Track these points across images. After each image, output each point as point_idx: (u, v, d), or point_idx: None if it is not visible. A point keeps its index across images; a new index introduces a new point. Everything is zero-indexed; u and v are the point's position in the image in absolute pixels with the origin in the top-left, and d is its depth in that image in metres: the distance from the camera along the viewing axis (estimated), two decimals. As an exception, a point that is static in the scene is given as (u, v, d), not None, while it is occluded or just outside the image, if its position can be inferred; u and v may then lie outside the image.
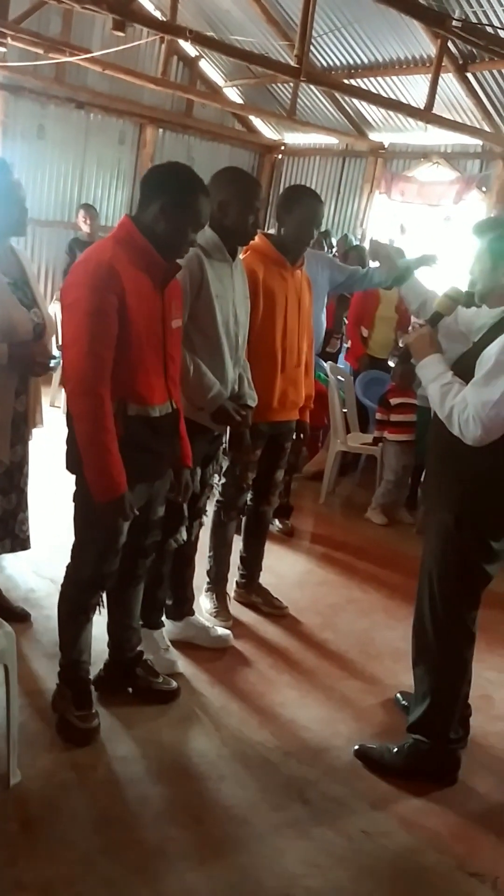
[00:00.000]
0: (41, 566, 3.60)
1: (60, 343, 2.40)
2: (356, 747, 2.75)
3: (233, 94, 9.36)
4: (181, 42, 6.98)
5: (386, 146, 8.72)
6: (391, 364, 5.40)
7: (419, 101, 6.74)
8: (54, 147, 8.37)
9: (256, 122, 9.85)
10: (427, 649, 2.63)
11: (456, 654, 2.61)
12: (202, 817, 2.36)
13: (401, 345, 2.61)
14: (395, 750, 2.68)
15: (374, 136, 8.76)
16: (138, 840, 2.24)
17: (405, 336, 2.65)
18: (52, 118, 8.30)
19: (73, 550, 2.59)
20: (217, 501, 3.41)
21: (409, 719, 2.71)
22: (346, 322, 6.23)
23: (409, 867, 2.30)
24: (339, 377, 5.48)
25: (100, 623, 2.73)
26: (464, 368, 2.43)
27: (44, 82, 7.83)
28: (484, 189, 7.77)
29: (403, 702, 3.00)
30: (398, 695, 3.09)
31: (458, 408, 2.36)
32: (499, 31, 5.93)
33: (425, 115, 6.49)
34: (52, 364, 2.94)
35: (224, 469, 3.26)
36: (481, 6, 6.02)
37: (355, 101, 7.98)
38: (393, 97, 7.51)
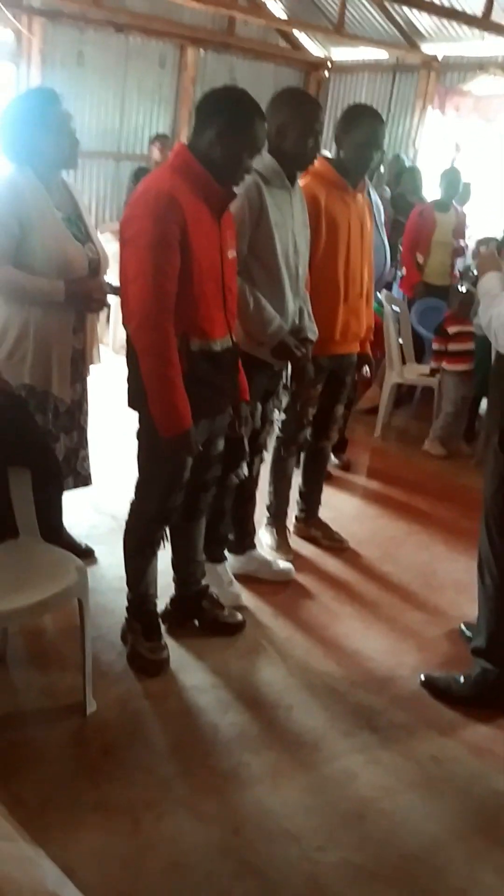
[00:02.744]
0: (101, 502, 3.65)
1: (119, 279, 2.36)
2: (422, 676, 2.77)
3: (277, 10, 8.97)
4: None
5: (439, 58, 8.31)
6: (462, 289, 5.22)
7: (474, 7, 6.36)
8: (94, 73, 8.15)
9: (302, 38, 9.44)
10: (488, 574, 2.63)
11: None
12: (273, 744, 2.42)
13: (474, 271, 2.59)
14: (462, 679, 2.70)
15: (426, 48, 8.35)
16: (212, 765, 2.31)
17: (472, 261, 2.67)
18: (91, 43, 8.06)
19: (137, 486, 2.60)
20: (277, 437, 3.39)
21: (472, 643, 2.72)
22: (401, 248, 6.04)
23: (479, 791, 2.34)
24: (394, 307, 5.35)
25: (164, 558, 2.76)
26: None
27: (82, 6, 7.57)
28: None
29: (468, 633, 3.00)
30: (462, 625, 3.09)
31: (494, 317, 2.40)
32: None
33: (483, 22, 6.14)
34: (107, 300, 2.91)
35: (284, 404, 3.23)
36: None
37: (406, 10, 7.58)
38: (447, 5, 7.10)
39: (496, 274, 2.52)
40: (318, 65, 9.63)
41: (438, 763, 2.42)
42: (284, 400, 3.23)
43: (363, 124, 3.06)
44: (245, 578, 3.23)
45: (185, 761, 2.31)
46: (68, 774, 2.21)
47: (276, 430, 3.37)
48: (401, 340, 5.34)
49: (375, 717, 2.58)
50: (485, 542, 2.64)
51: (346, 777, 2.32)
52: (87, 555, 3.23)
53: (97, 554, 3.29)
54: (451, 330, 4.94)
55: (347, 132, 3.08)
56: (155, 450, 2.43)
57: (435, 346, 5.10)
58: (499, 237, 2.66)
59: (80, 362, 2.96)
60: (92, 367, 3.08)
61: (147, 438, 2.47)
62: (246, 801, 2.19)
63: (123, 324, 2.41)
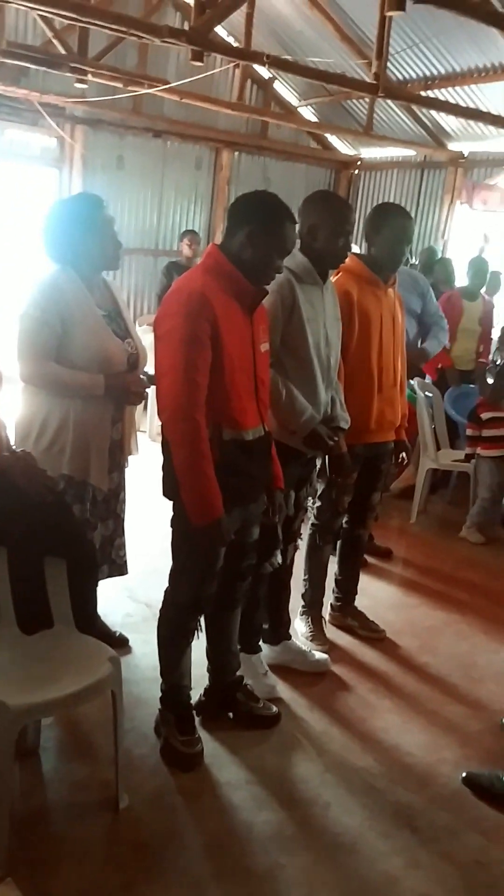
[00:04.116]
0: (136, 591, 3.66)
1: (154, 372, 2.45)
2: (464, 774, 2.68)
3: (307, 113, 9.42)
4: (255, 66, 7.07)
5: (465, 155, 8.61)
6: (489, 380, 5.26)
7: (498, 107, 6.63)
8: (133, 176, 8.60)
9: (331, 138, 9.87)
10: None
11: None
12: (309, 844, 2.34)
13: (498, 361, 2.56)
14: (505, 778, 2.60)
15: (452, 146, 8.67)
16: (247, 867, 2.23)
17: (499, 351, 2.64)
18: (131, 148, 8.54)
19: (171, 575, 2.62)
20: (312, 524, 3.40)
21: None
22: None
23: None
24: (426, 393, 5.40)
25: (199, 648, 2.75)
26: None
27: (122, 114, 8.04)
28: None
29: (511, 727, 2.91)
30: (504, 720, 3.00)
31: None
32: None
33: (506, 122, 6.38)
34: (145, 393, 2.99)
35: (319, 492, 3.25)
36: None
37: (433, 111, 7.91)
38: (472, 105, 7.41)
39: None
40: (348, 163, 10.03)
41: (482, 867, 2.32)
42: (320, 487, 3.26)
43: (392, 222, 3.18)
44: (280, 669, 3.18)
45: (219, 861, 2.24)
46: (100, 872, 2.16)
47: (312, 518, 3.38)
48: (433, 426, 5.36)
49: (416, 817, 2.49)
50: None
51: (386, 881, 2.23)
52: (121, 644, 3.22)
53: (131, 643, 3.27)
54: (485, 416, 4.96)
55: (378, 230, 3.20)
56: (188, 538, 2.46)
57: (469, 431, 5.11)
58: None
59: (117, 452, 3.03)
60: (130, 458, 3.14)
61: (180, 527, 2.50)
62: (282, 907, 2.12)
63: (158, 415, 2.48)
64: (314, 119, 9.41)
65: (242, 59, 5.88)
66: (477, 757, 2.82)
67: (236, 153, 9.31)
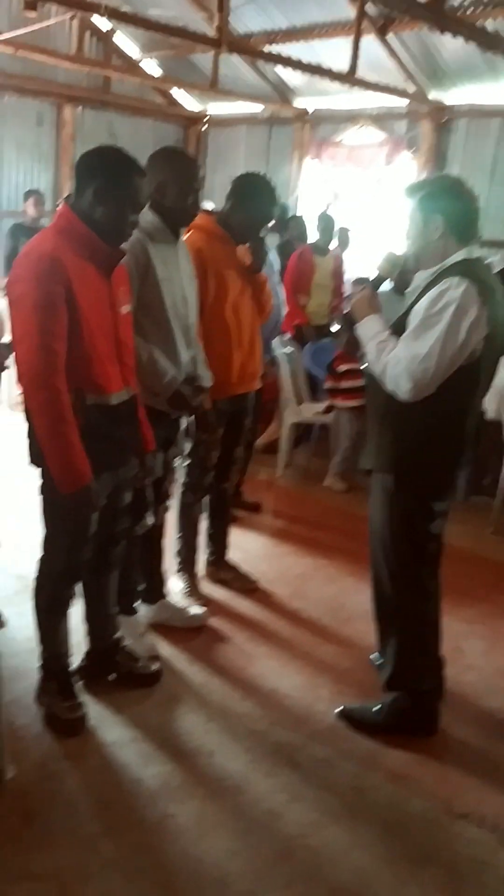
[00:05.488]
0: (7, 564, 3.58)
1: (10, 339, 2.38)
2: (339, 709, 2.83)
3: (151, 67, 9.21)
4: (93, 17, 6.84)
5: (311, 112, 8.70)
6: (333, 330, 5.45)
7: (341, 64, 6.74)
8: (-31, 134, 8.17)
9: (178, 93, 9.71)
10: (386, 608, 2.72)
11: (414, 609, 2.68)
12: (196, 792, 2.41)
13: (345, 311, 2.64)
14: (376, 708, 2.77)
15: (298, 102, 8.74)
16: (138, 820, 2.28)
17: (348, 302, 2.71)
18: (-36, 104, 8.09)
19: (43, 543, 2.58)
20: (182, 483, 3.44)
21: (380, 678, 2.80)
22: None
23: (400, 816, 2.40)
24: (286, 349, 5.51)
25: (76, 614, 2.74)
26: (399, 329, 2.49)
27: (-46, 67, 7.60)
28: (413, 150, 7.83)
29: (380, 661, 3.08)
30: (374, 655, 3.17)
31: (391, 363, 2.43)
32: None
33: (349, 78, 6.51)
34: (6, 364, 2.90)
35: (188, 451, 3.27)
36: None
37: (277, 67, 7.93)
38: (315, 62, 7.48)
39: (375, 317, 2.57)
40: (196, 119, 9.92)
41: (359, 793, 2.47)
42: (187, 446, 3.29)
43: (258, 205, 3.23)
44: (159, 628, 3.23)
45: (109, 819, 2.28)
46: (-11, 846, 2.15)
47: (183, 477, 3.41)
48: (295, 381, 5.49)
49: (295, 754, 2.62)
50: (380, 563, 2.68)
51: (271, 817, 2.34)
52: (-6, 618, 3.17)
53: (6, 616, 3.22)
54: (341, 368, 5.13)
55: (242, 204, 3.22)
56: (57, 506, 2.42)
57: (327, 384, 5.27)
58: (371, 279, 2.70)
59: (-24, 424, 2.94)
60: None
61: (49, 495, 2.46)
62: (174, 854, 2.18)
63: (17, 382, 2.42)
64: (159, 73, 9.21)
65: (79, 8, 5.66)
66: (350, 692, 2.98)
67: (79, 108, 9.00)
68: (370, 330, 2.55)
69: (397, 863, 2.23)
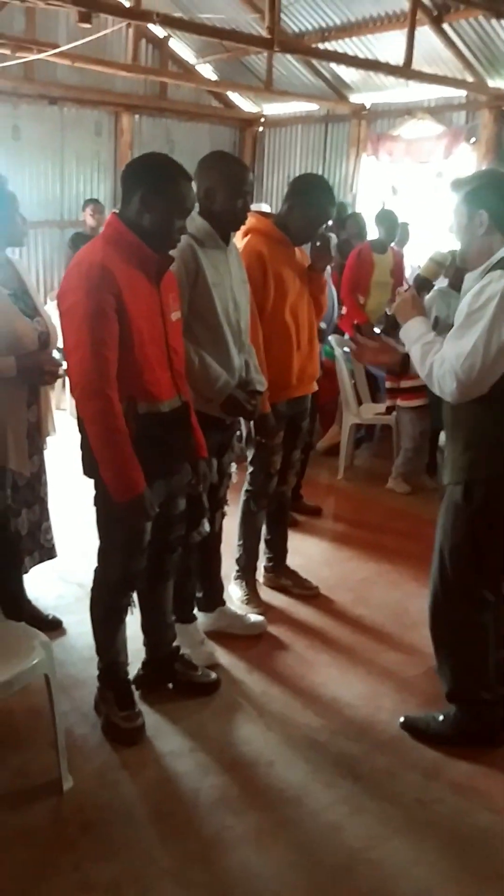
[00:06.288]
0: (66, 572, 3.62)
1: (62, 348, 2.40)
2: (402, 719, 2.76)
3: (206, 71, 9.24)
4: (149, 25, 6.89)
5: (367, 107, 8.59)
6: (376, 331, 5.33)
7: (396, 57, 6.62)
8: (31, 146, 8.31)
9: (234, 96, 9.72)
10: (442, 619, 2.63)
11: (471, 621, 2.58)
12: (255, 803, 2.38)
13: (388, 312, 2.56)
14: (441, 718, 2.69)
15: (354, 98, 8.63)
16: (195, 830, 2.27)
17: (391, 304, 2.64)
18: (26, 117, 8.23)
19: (99, 553, 2.59)
20: (246, 490, 3.43)
21: (444, 690, 2.71)
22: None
23: (465, 830, 2.32)
24: (345, 349, 5.44)
25: (133, 622, 2.74)
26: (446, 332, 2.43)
27: (13, 82, 7.74)
28: (473, 140, 7.64)
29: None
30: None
31: (436, 364, 2.36)
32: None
33: (405, 71, 6.37)
34: (59, 371, 2.92)
35: (250, 458, 3.25)
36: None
37: (332, 64, 7.84)
38: (370, 56, 7.38)
39: (421, 319, 2.49)
40: (251, 121, 9.90)
41: (423, 805, 2.40)
42: (249, 454, 3.26)
43: (315, 205, 3.17)
44: (217, 635, 3.21)
45: (167, 830, 2.26)
46: (48, 856, 2.15)
47: (245, 484, 3.40)
48: (354, 381, 5.42)
49: (357, 765, 2.56)
50: (437, 574, 2.60)
51: (332, 830, 2.29)
52: (53, 626, 3.20)
53: (65, 624, 3.25)
54: (402, 367, 5.02)
55: (299, 205, 3.18)
56: (112, 515, 2.43)
57: (388, 384, 5.18)
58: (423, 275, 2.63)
59: (35, 435, 2.97)
60: (49, 439, 3.09)
61: (103, 505, 2.47)
62: (232, 866, 2.15)
63: (70, 392, 2.43)
64: (214, 77, 9.23)
65: (132, 18, 5.68)
66: (413, 701, 2.91)
67: (137, 116, 9.08)
68: (415, 332, 2.48)
69: (463, 879, 2.15)
